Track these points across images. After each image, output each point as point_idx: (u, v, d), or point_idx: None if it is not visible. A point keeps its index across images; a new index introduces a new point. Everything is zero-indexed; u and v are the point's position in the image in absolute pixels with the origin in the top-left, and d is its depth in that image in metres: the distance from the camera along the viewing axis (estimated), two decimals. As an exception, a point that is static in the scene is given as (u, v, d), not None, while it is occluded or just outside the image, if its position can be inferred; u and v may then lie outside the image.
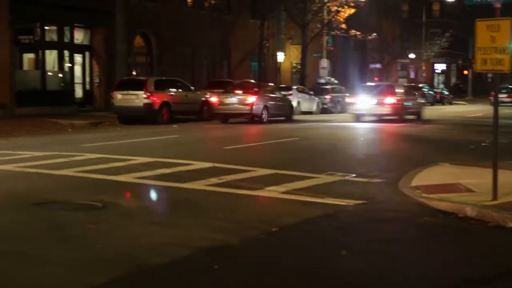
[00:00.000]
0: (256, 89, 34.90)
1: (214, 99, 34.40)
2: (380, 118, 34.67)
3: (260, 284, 7.48)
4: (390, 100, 34.43)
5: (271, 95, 35.81)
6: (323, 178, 14.54)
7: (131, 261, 8.11)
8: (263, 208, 11.48)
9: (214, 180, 14.01)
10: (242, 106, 33.43)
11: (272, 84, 43.14)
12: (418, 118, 37.02)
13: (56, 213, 10.82)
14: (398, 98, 35.00)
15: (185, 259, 8.27)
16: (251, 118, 33.70)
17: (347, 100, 39.00)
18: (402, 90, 37.09)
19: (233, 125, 32.18)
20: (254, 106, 33.27)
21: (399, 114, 34.62)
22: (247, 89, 34.70)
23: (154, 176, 14.56)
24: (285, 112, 36.22)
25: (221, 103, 33.87)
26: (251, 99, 33.39)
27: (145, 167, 15.92)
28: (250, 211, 11.20)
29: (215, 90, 37.99)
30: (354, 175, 15.02)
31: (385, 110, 34.42)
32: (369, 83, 45.49)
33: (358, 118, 34.87)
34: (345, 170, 15.67)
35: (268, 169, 15.63)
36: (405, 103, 35.68)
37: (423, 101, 41.98)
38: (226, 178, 14.29)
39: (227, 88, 36.51)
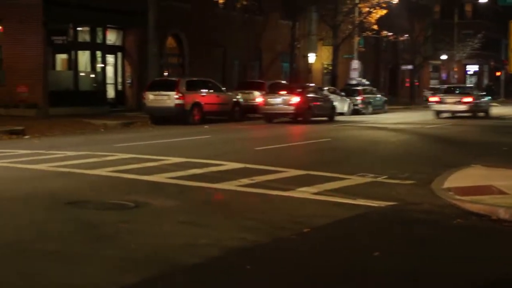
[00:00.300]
0: (300, 90, 35.87)
1: (259, 99, 35.71)
2: (455, 115, 41.24)
3: (293, 285, 7.48)
4: (468, 99, 41.02)
5: (314, 95, 36.75)
6: (355, 179, 14.52)
7: (164, 261, 8.14)
8: (294, 209, 11.46)
9: (245, 180, 14.04)
10: (286, 106, 34.62)
11: (314, 85, 43.44)
12: (486, 115, 43.30)
13: (89, 213, 10.90)
14: (473, 97, 41.79)
15: (217, 259, 8.29)
16: (295, 118, 34.59)
17: (430, 98, 45.35)
18: (476, 92, 44.62)
19: (268, 126, 32.20)
20: (298, 106, 34.30)
21: (474, 112, 41.25)
22: (291, 90, 35.84)
23: (186, 176, 14.60)
24: (328, 112, 37.31)
25: (266, 103, 35.10)
26: (295, 99, 34.47)
27: (177, 167, 15.99)
28: (282, 211, 11.20)
29: (246, 91, 38.27)
30: (385, 176, 14.99)
31: (463, 108, 40.91)
32: (452, 85, 54.21)
33: (438, 114, 41.48)
34: (376, 171, 15.64)
35: (299, 170, 15.64)
36: (477, 102, 42.28)
37: (488, 100, 46.97)
38: (258, 178, 14.31)
39: (258, 89, 37.84)
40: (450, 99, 41.54)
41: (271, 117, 35.32)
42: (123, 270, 7.78)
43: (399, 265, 8.21)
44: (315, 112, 35.68)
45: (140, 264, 8.02)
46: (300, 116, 34.58)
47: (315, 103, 35.91)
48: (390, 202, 11.99)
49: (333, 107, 38.44)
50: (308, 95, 35.85)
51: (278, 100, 35.04)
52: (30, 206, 11.39)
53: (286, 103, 34.69)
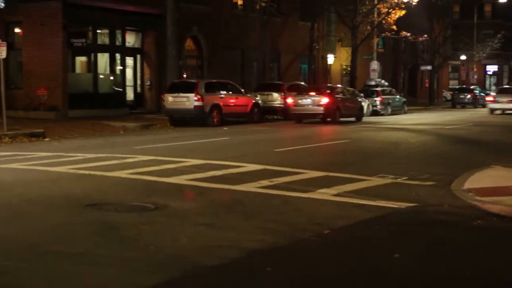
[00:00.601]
0: (328, 91, 36.65)
1: (289, 100, 36.68)
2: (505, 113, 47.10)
3: (313, 287, 7.48)
4: None
5: (343, 96, 37.45)
6: (375, 181, 14.50)
7: (184, 263, 8.17)
8: (314, 210, 11.46)
9: (265, 182, 14.05)
10: (316, 107, 35.52)
11: (342, 86, 43.72)
12: None
13: (110, 215, 10.94)
14: None
15: (237, 260, 8.30)
16: (324, 118, 35.47)
17: (487, 98, 53.00)
18: None
19: (287, 127, 32.19)
20: (327, 107, 35.17)
21: None
22: (321, 91, 36.75)
23: (205, 178, 14.63)
24: (356, 113, 38.05)
25: (296, 104, 36.10)
26: (325, 100, 35.29)
27: (197, 169, 16.02)
28: (302, 213, 11.20)
29: (264, 93, 38.45)
30: (405, 177, 14.95)
31: None
32: (506, 86, 61.26)
33: (492, 112, 48.08)
34: (396, 172, 15.61)
35: (319, 171, 15.63)
36: None
37: None
38: (277, 180, 14.32)
39: (276, 90, 38.79)
40: (503, 98, 48.48)
41: (301, 117, 36.21)
42: (144, 271, 7.81)
43: (420, 267, 8.18)
44: (344, 113, 36.47)
45: (161, 265, 8.04)
46: (329, 116, 35.47)
47: (343, 104, 36.67)
48: (410, 204, 11.97)
49: (361, 108, 39.32)
50: (337, 96, 36.60)
51: (307, 101, 35.94)
52: (51, 208, 11.45)
53: (315, 104, 35.58)
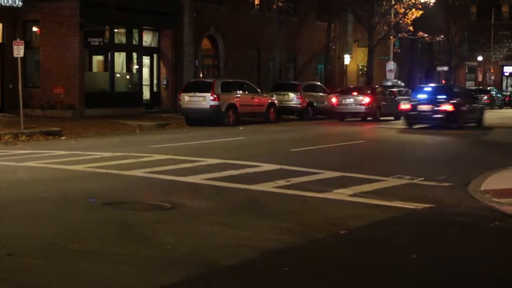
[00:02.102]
0: (370, 91, 38.97)
1: (334, 99, 38.96)
2: None
3: (330, 286, 7.47)
4: None
5: (382, 96, 39.49)
6: (391, 181, 14.47)
7: (201, 261, 8.17)
8: (330, 210, 11.44)
9: (281, 182, 14.04)
10: (358, 106, 38.04)
11: (380, 86, 44.20)
12: None
13: (126, 213, 10.97)
14: None
15: (254, 260, 8.30)
16: (365, 117, 37.90)
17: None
18: None
19: (302, 127, 32.17)
20: (368, 106, 37.58)
21: None
22: (363, 91, 39.40)
23: (222, 177, 14.63)
24: (394, 112, 39.24)
25: (339, 103, 38.52)
26: (366, 99, 37.60)
27: (213, 168, 16.03)
28: (318, 213, 11.18)
29: (281, 93, 38.49)
30: (422, 178, 14.91)
31: None
32: None
33: None
34: (413, 173, 15.57)
35: (335, 171, 15.61)
36: None
37: None
38: (294, 180, 14.31)
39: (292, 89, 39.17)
40: None
41: (343, 116, 38.50)
42: (161, 270, 7.82)
43: (436, 268, 8.16)
44: (383, 112, 38.53)
45: (177, 264, 8.05)
46: (370, 115, 37.82)
47: (383, 103, 38.70)
48: (427, 204, 11.94)
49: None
50: (377, 96, 38.63)
51: (350, 100, 38.37)
52: (67, 207, 11.48)
53: (357, 103, 37.99)
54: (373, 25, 52.14)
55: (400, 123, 33.31)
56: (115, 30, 37.42)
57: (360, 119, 38.32)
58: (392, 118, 39.14)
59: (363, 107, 37.91)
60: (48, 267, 7.92)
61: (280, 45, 46.05)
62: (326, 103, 40.06)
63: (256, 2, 48.21)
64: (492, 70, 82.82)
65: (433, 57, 74.66)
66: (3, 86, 34.44)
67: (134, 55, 38.74)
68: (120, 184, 13.97)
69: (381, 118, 38.40)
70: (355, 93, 39.01)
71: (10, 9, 33.18)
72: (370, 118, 37.95)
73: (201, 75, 41.61)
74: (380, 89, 41.28)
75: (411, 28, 54.40)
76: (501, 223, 10.59)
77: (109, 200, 11.92)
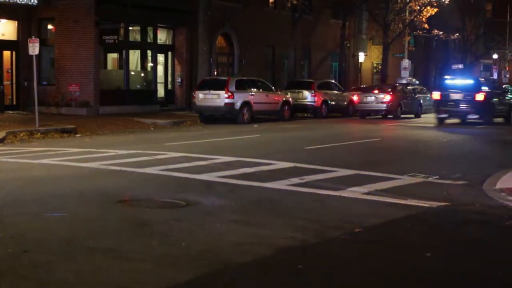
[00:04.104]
0: (391, 89, 39.41)
1: (355, 97, 39.88)
2: None
3: (344, 285, 7.47)
4: None
5: (403, 94, 40.19)
6: (406, 180, 14.45)
7: (215, 259, 8.19)
8: (345, 208, 11.43)
9: (296, 180, 14.05)
10: (379, 104, 38.66)
11: (402, 84, 44.85)
12: None
13: (141, 211, 11.00)
14: None
15: (268, 258, 8.31)
16: (386, 114, 38.53)
17: None
18: None
19: (316, 125, 32.15)
20: (389, 104, 38.24)
21: None
22: (384, 89, 39.95)
23: (236, 175, 14.65)
24: (415, 110, 40.47)
25: (361, 101, 39.31)
26: (387, 97, 38.22)
27: (227, 166, 16.05)
28: (332, 211, 11.18)
29: (295, 90, 38.51)
30: (436, 176, 14.88)
31: None
32: None
33: None
34: (427, 171, 15.54)
35: (349, 169, 15.60)
36: None
37: None
38: (308, 178, 14.31)
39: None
40: None
41: (365, 113, 39.31)
42: (176, 267, 7.85)
43: (451, 266, 8.14)
44: (404, 109, 39.14)
45: (192, 262, 8.07)
46: (391, 113, 38.40)
47: (404, 101, 39.40)
48: (442, 203, 11.91)
49: (420, 105, 41.39)
50: (398, 94, 39.21)
51: (371, 98, 39.01)
52: (83, 204, 11.53)
53: (378, 101, 38.60)
54: (388, 23, 52.02)
55: (420, 121, 33.40)
56: (130, 28, 37.47)
57: (381, 116, 38.76)
58: (412, 116, 39.82)
59: (384, 105, 38.40)
60: (64, 263, 7.96)
61: (295, 43, 46.04)
62: (342, 100, 40.38)
63: (271, 0, 48.19)
64: (507, 68, 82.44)
65: (448, 55, 74.40)
66: (18, 84, 34.58)
67: (149, 52, 38.79)
68: (134, 181, 14.00)
69: (402, 116, 38.85)
70: (376, 91, 39.59)
71: (26, 6, 33.36)
72: (391, 116, 38.39)
73: (215, 72, 41.63)
74: (400, 87, 41.71)
75: (426, 25, 54.24)
76: (516, 222, 10.56)
77: (124, 198, 11.96)
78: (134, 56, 38.23)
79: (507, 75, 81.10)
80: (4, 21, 34.05)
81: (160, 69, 39.97)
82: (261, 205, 11.64)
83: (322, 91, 39.43)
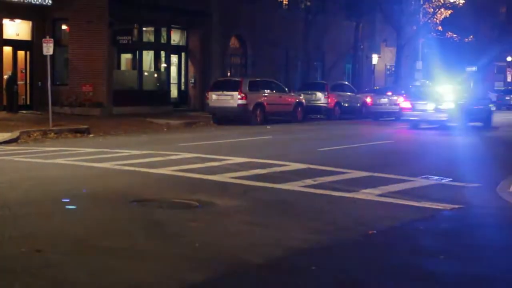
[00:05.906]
0: (404, 91, 39.31)
1: (368, 99, 40.44)
2: None
3: (358, 286, 7.44)
4: None
5: None
6: (419, 182, 14.40)
7: (229, 260, 8.18)
8: (358, 210, 11.41)
9: (309, 181, 14.02)
10: (393, 106, 38.57)
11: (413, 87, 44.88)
12: None
13: (154, 211, 11.00)
14: None
15: (281, 259, 8.29)
16: (399, 116, 37.23)
17: None
18: None
19: (330, 126, 32.12)
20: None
21: None
22: (397, 91, 40.18)
23: (249, 176, 14.64)
24: None
25: (374, 103, 39.99)
26: (401, 100, 37.18)
27: (240, 167, 16.04)
28: (345, 213, 11.16)
29: (309, 92, 38.51)
30: (450, 179, 14.82)
31: None
32: None
33: None
34: (441, 173, 15.47)
35: (363, 171, 15.55)
36: None
37: None
38: (321, 179, 14.29)
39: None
40: None
41: (378, 115, 39.38)
42: (189, 268, 7.84)
43: (465, 268, 8.11)
44: None
45: (205, 262, 8.07)
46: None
47: None
48: (455, 205, 11.86)
49: None
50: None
51: (385, 100, 39.82)
52: (96, 204, 11.55)
53: (392, 103, 38.86)
54: (402, 25, 51.91)
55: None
56: (144, 29, 37.54)
57: (394, 118, 38.21)
58: None
59: (397, 107, 37.59)
60: (77, 263, 7.97)
61: (308, 44, 45.99)
62: (355, 102, 40.33)
63: (284, 2, 48.15)
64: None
65: (462, 57, 74.13)
66: (32, 84, 34.67)
67: (162, 53, 38.87)
68: (148, 182, 14.02)
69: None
70: (389, 93, 39.81)
71: (40, 7, 33.44)
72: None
73: (229, 73, 41.65)
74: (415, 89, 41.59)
75: (440, 28, 54.10)
76: (531, 225, 10.52)
77: (137, 198, 11.97)
78: (148, 56, 38.29)
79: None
80: (18, 21, 34.15)
81: (173, 69, 40.04)
82: (274, 207, 11.63)
83: (335, 92, 39.44)
